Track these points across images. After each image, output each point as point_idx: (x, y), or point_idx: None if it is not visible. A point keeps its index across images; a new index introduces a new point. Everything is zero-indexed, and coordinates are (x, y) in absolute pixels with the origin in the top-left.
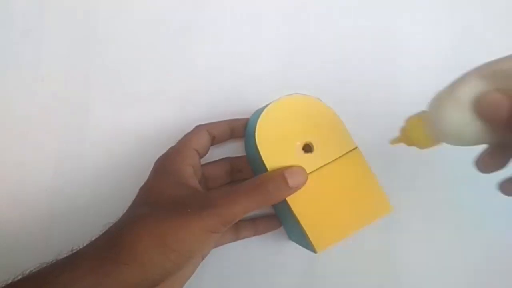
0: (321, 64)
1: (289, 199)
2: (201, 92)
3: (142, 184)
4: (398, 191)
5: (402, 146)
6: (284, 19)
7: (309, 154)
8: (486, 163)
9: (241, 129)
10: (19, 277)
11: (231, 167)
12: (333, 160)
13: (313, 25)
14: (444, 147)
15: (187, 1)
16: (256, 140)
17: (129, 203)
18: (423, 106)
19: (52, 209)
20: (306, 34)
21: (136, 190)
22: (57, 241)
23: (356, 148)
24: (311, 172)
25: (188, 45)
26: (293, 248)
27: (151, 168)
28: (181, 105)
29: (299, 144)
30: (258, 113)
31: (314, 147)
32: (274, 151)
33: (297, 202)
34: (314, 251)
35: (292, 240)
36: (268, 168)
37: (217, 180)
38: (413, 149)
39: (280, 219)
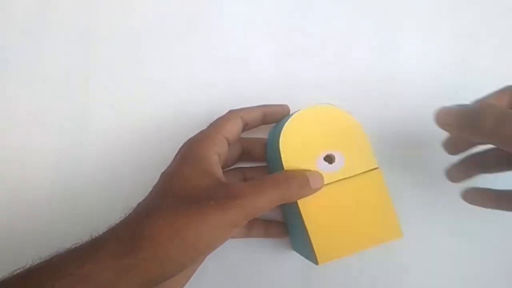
0: (321, 70)
1: (301, 206)
2: (201, 92)
3: (141, 184)
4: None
5: (401, 147)
6: (285, 21)
7: (329, 165)
8: (452, 175)
9: (273, 116)
10: (37, 262)
11: (242, 149)
12: (352, 176)
13: (313, 29)
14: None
15: (188, 2)
16: (280, 144)
17: (129, 203)
18: (423, 111)
19: (52, 208)
20: (306, 38)
21: (136, 189)
22: (57, 240)
23: (377, 168)
24: (328, 184)
25: (188, 46)
26: (294, 255)
27: (150, 168)
28: (181, 106)
29: (321, 154)
30: (286, 117)
31: (336, 159)
32: (295, 157)
33: (308, 210)
34: (316, 262)
35: (295, 251)
36: None
37: (228, 162)
38: (414, 150)
39: (288, 227)
